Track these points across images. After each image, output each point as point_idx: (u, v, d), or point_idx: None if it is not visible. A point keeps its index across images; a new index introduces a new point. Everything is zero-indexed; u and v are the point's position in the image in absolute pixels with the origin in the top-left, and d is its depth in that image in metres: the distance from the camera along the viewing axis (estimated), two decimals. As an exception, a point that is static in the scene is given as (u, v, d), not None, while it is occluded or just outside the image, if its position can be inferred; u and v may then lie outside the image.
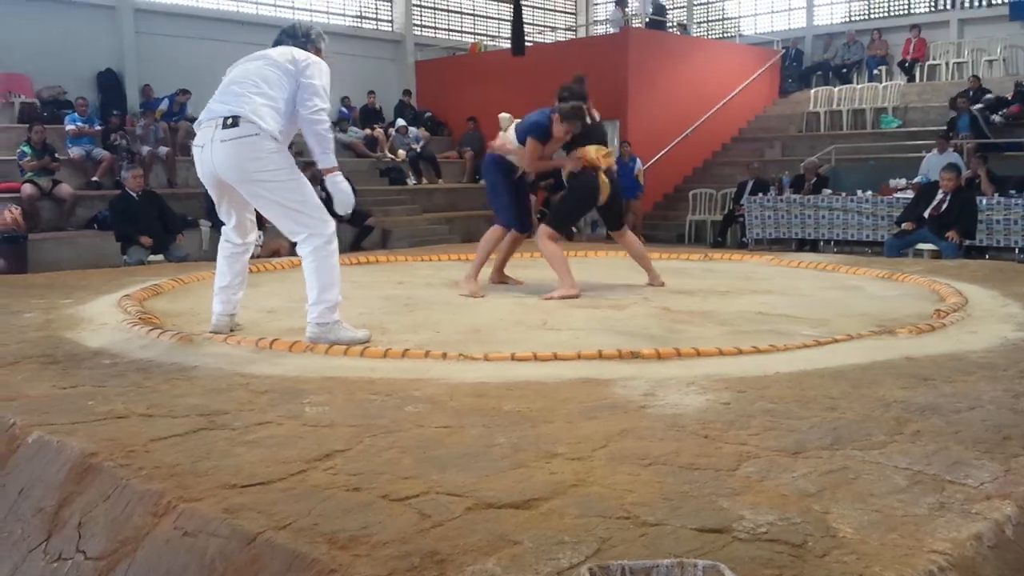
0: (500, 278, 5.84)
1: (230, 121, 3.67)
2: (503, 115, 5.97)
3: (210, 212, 10.69)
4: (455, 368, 3.22)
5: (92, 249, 9.94)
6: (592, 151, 5.38)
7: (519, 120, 5.66)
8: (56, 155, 10.84)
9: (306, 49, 3.91)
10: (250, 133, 3.65)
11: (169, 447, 2.31)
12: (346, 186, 3.87)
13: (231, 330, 3.99)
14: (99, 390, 2.94)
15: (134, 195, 8.85)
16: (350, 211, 3.96)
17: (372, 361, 3.35)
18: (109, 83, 14.07)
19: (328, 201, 3.91)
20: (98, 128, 12.10)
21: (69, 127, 11.64)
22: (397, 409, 2.68)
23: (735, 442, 2.33)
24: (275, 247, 10.25)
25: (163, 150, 12.26)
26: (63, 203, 10.52)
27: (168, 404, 2.74)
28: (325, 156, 3.78)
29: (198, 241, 10.55)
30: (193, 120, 13.11)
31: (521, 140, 5.46)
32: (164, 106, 13.44)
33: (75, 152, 11.46)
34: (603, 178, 5.42)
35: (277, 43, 3.99)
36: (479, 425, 2.49)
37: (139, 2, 14.64)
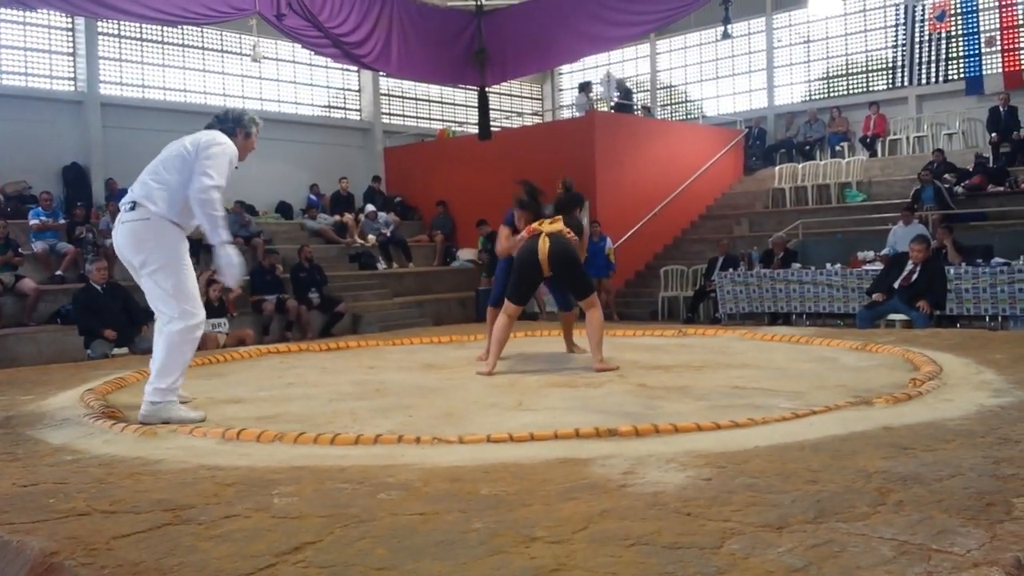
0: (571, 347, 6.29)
1: (129, 205, 4.01)
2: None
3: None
4: (429, 452, 3.15)
5: (54, 344, 9.78)
6: (536, 222, 5.59)
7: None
8: (19, 250, 10.75)
9: (233, 133, 4.18)
10: (143, 217, 3.94)
11: (132, 544, 2.22)
12: (233, 259, 4.04)
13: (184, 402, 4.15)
14: (60, 487, 2.83)
15: (98, 287, 8.76)
16: (238, 281, 4.23)
17: (343, 448, 3.27)
18: (74, 177, 14.07)
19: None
20: (62, 222, 12.05)
21: (33, 221, 11.59)
22: (369, 497, 2.60)
23: (718, 519, 2.27)
24: (241, 335, 10.16)
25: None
26: (26, 298, 10.38)
27: (131, 499, 2.65)
28: (213, 232, 4.00)
29: (166, 332, 10.41)
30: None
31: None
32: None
33: (39, 246, 11.37)
34: (542, 240, 5.44)
35: (207, 127, 4.21)
36: (455, 510, 2.42)
37: (106, 96, 14.76)
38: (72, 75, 14.54)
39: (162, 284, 3.93)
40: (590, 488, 2.62)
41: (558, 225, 5.57)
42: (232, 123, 4.21)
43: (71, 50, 14.53)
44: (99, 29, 14.65)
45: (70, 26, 14.45)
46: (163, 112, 15.43)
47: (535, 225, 5.56)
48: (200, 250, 12.30)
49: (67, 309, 10.09)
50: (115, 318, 8.69)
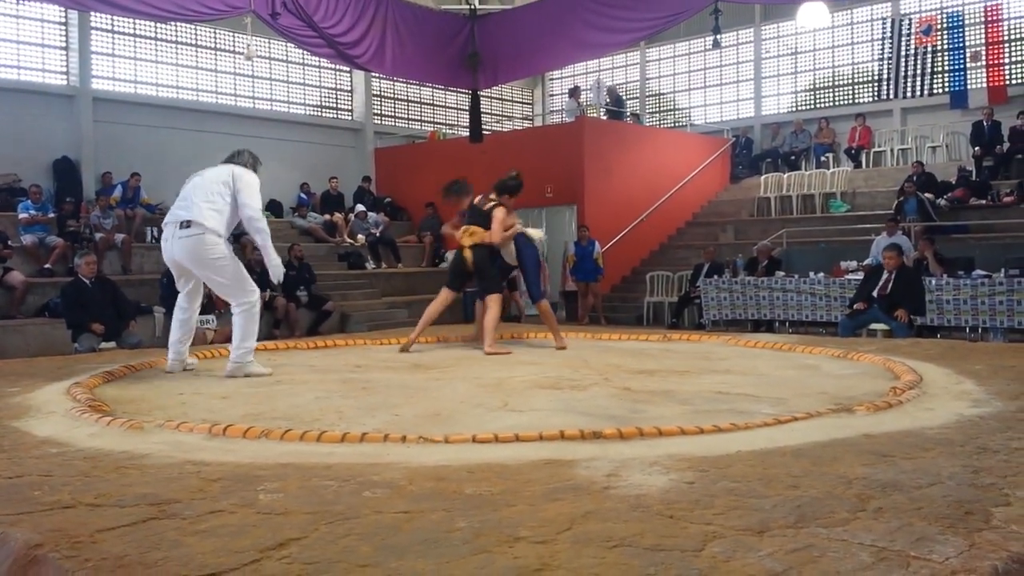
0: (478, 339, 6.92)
1: (185, 224, 5.17)
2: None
3: (165, 299, 10.60)
4: (415, 451, 3.17)
5: (42, 337, 9.76)
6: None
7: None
8: (8, 242, 10.70)
9: (245, 166, 5.45)
10: (197, 232, 5.15)
11: (117, 537, 2.22)
12: (276, 261, 5.37)
13: (184, 369, 5.48)
14: (45, 479, 2.83)
15: (87, 281, 8.73)
16: (280, 278, 5.59)
17: (329, 446, 3.28)
18: (65, 170, 14.02)
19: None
20: (52, 215, 12.00)
21: (22, 215, 11.54)
22: (354, 495, 2.61)
23: (700, 522, 2.29)
24: (229, 332, 10.13)
25: (119, 237, 12.18)
26: (14, 291, 10.34)
27: (117, 493, 2.65)
28: (264, 246, 5.36)
29: (151, 327, 10.39)
30: (147, 206, 13.19)
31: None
32: (118, 193, 13.42)
33: (28, 239, 11.34)
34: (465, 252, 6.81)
35: (227, 160, 5.49)
36: (439, 509, 2.43)
37: (98, 91, 14.71)
38: (64, 69, 14.50)
39: (223, 279, 5.24)
40: (574, 489, 2.64)
41: (472, 238, 6.73)
42: (251, 160, 5.57)
43: (64, 44, 14.49)
44: (92, 24, 14.62)
45: (63, 20, 14.41)
46: (155, 108, 15.41)
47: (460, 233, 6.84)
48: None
49: (55, 302, 10.07)
50: (103, 312, 8.67)
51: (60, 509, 2.49)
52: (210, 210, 5.17)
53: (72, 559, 2.08)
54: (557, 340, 6.84)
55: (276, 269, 5.39)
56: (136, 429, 3.54)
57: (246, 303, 5.26)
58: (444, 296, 7.03)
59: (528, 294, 7.23)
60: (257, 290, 5.35)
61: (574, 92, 17.92)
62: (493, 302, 6.73)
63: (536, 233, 7.22)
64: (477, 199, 7.01)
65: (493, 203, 6.85)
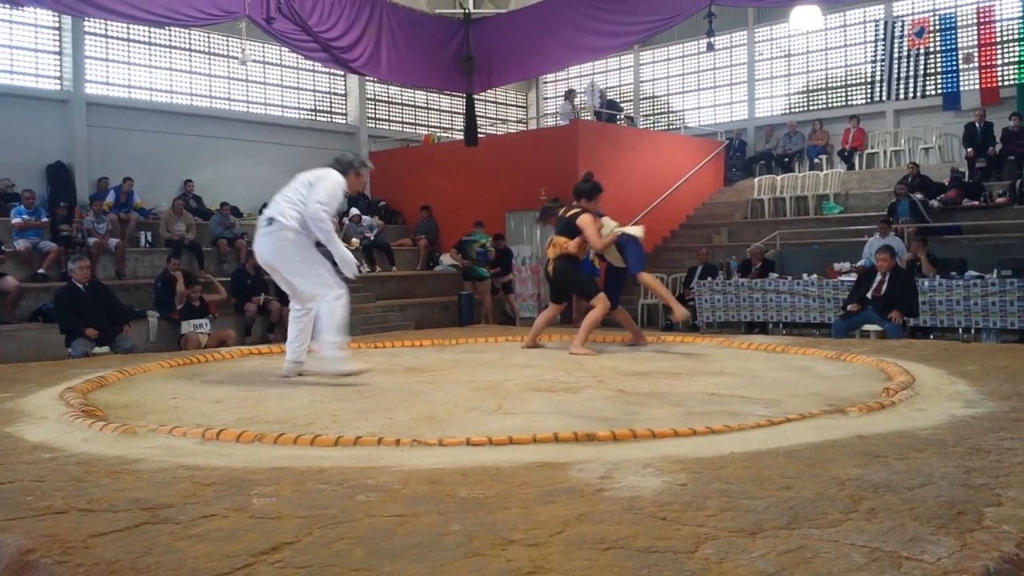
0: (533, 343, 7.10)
1: (268, 221, 5.27)
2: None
3: (158, 304, 10.60)
4: (409, 455, 3.17)
5: (35, 342, 9.73)
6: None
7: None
8: (2, 247, 10.68)
9: (345, 172, 5.42)
10: (279, 229, 5.21)
11: (109, 543, 2.22)
12: (346, 255, 5.25)
13: (299, 375, 5.40)
14: (38, 485, 2.83)
15: (80, 286, 8.71)
16: (355, 272, 5.31)
17: (323, 450, 3.28)
18: (59, 175, 14.00)
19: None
20: (44, 220, 11.97)
21: (15, 220, 11.51)
22: (348, 498, 2.61)
23: (693, 523, 2.30)
24: (222, 336, 10.14)
25: (113, 242, 12.15)
26: (7, 295, 10.31)
27: (109, 498, 2.64)
28: (328, 241, 5.23)
29: (145, 332, 10.38)
30: (139, 210, 13.18)
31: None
32: (111, 198, 13.40)
33: (21, 245, 11.30)
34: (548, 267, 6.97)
35: (327, 166, 5.46)
36: (433, 513, 2.44)
37: (92, 95, 14.69)
38: (58, 74, 14.48)
39: (306, 274, 5.25)
40: (568, 492, 2.64)
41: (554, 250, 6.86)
42: (346, 165, 5.48)
43: (57, 49, 14.47)
44: (86, 28, 14.60)
45: (57, 25, 14.38)
46: (149, 113, 15.39)
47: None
48: (182, 251, 12.30)
49: (49, 307, 10.05)
50: (97, 317, 8.65)
51: (53, 514, 2.49)
52: (291, 208, 5.23)
53: (64, 564, 2.08)
54: (637, 337, 7.09)
55: (347, 264, 5.27)
56: (129, 434, 3.54)
57: (330, 295, 5.20)
58: (552, 309, 7.29)
59: (629, 270, 7.24)
60: (341, 287, 5.27)
61: (568, 95, 17.94)
62: (599, 302, 6.79)
63: (636, 230, 7.23)
64: (562, 209, 7.07)
65: (576, 211, 6.83)
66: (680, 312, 6.82)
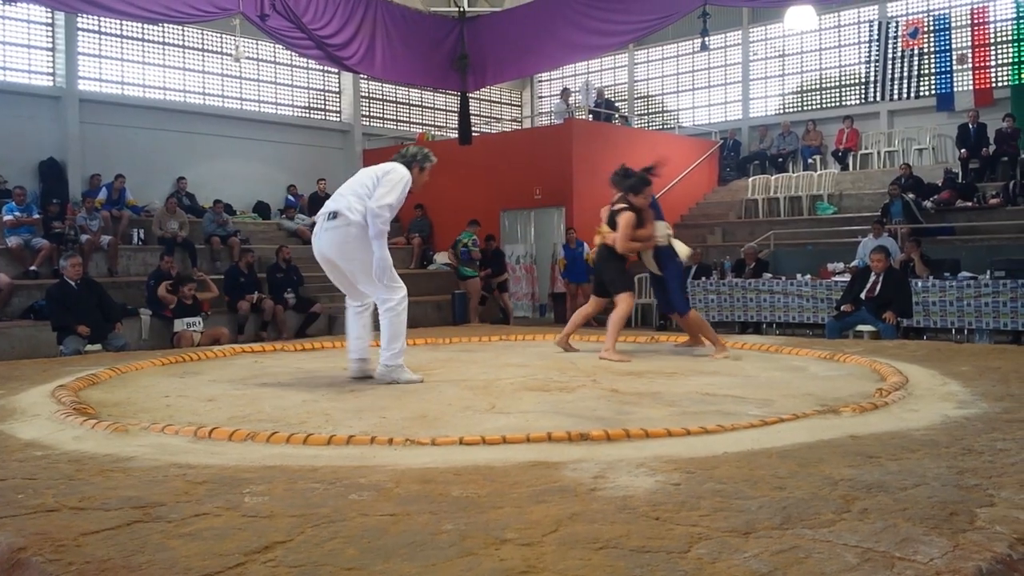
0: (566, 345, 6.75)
1: (331, 215, 5.02)
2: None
3: (151, 301, 10.57)
4: (401, 454, 3.16)
5: (27, 339, 9.70)
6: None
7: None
8: (-7, 244, 10.65)
9: (410, 167, 5.20)
10: (344, 224, 4.96)
11: (101, 541, 2.21)
12: (385, 256, 4.99)
13: (368, 375, 5.19)
14: (29, 483, 2.81)
15: (72, 283, 8.69)
16: (383, 276, 5.02)
17: (315, 448, 3.28)
18: (51, 172, 13.96)
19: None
20: (37, 217, 11.93)
21: (7, 217, 11.47)
22: (341, 497, 2.60)
23: (686, 523, 2.30)
24: (216, 335, 10.12)
25: (106, 239, 12.12)
26: (-1, 292, 10.28)
27: (101, 496, 2.63)
28: (376, 236, 4.95)
29: (138, 330, 10.35)
30: (132, 207, 13.11)
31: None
32: (103, 195, 13.37)
33: (13, 241, 11.27)
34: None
35: (393, 159, 5.25)
36: (426, 512, 2.43)
37: (85, 92, 14.65)
38: (51, 70, 14.44)
39: (369, 272, 5.01)
40: (561, 491, 2.64)
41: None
42: (411, 159, 5.26)
43: (50, 45, 14.43)
44: (79, 25, 14.56)
45: (49, 21, 14.34)
46: (142, 109, 15.36)
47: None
48: (175, 248, 12.26)
49: (40, 304, 10.01)
50: (89, 314, 8.63)
51: (44, 512, 2.48)
52: (357, 202, 4.99)
53: (56, 563, 2.07)
54: (717, 347, 6.37)
55: (383, 268, 5.02)
56: (121, 432, 3.52)
57: (392, 299, 5.03)
58: (591, 303, 6.93)
59: (673, 306, 6.78)
60: (404, 288, 5.11)
61: (563, 94, 17.95)
62: (621, 301, 6.50)
63: (683, 249, 6.81)
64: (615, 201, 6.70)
65: (622, 206, 6.56)
66: (724, 353, 6.31)
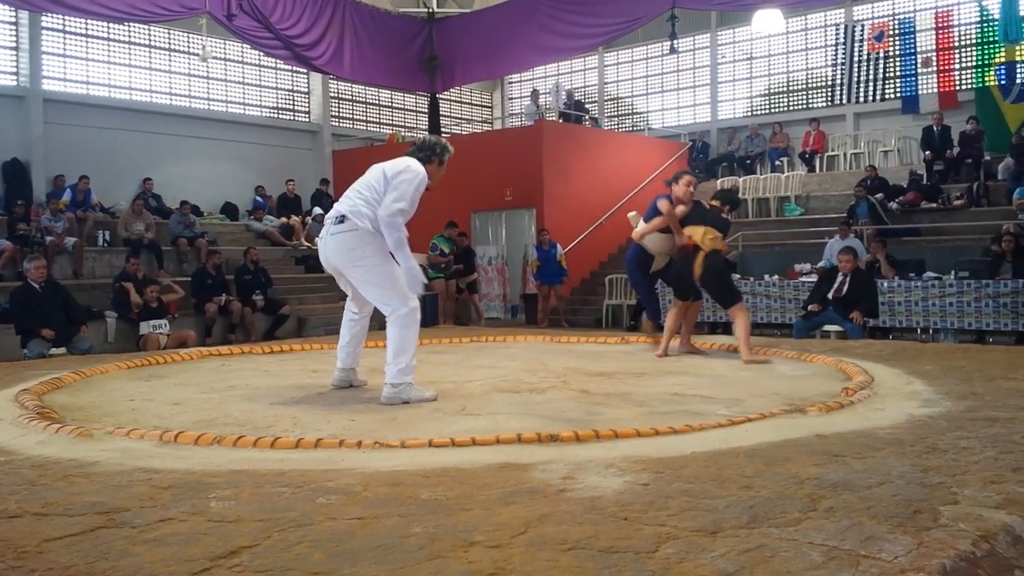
0: (690, 348, 6.62)
1: (338, 219, 4.60)
2: (631, 213, 6.88)
3: (116, 304, 10.43)
4: (370, 457, 3.15)
5: (-10, 343, 9.54)
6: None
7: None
8: (-46, 246, 10.47)
9: (428, 160, 4.75)
10: (351, 228, 4.54)
11: (64, 547, 2.18)
12: (415, 268, 4.60)
13: (351, 384, 4.94)
14: (-10, 489, 2.77)
15: (36, 286, 8.57)
16: (420, 287, 4.63)
17: (283, 452, 3.25)
18: (15, 173, 13.75)
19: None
20: (0, 218, 11.75)
21: (-31, 218, 11.30)
22: (308, 501, 2.58)
23: (654, 523, 2.31)
24: (182, 337, 10.01)
25: (70, 240, 11.96)
26: (-40, 295, 10.11)
27: (64, 502, 2.60)
28: (397, 249, 4.54)
29: (103, 333, 10.22)
30: (97, 208, 12.86)
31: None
32: (67, 196, 13.20)
33: (-25, 243, 11.10)
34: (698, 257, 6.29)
35: (407, 154, 4.78)
36: (394, 515, 2.42)
37: (49, 92, 14.45)
38: (15, 69, 14.22)
39: (376, 281, 4.60)
40: (530, 493, 2.64)
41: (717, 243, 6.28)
42: (427, 151, 4.78)
43: (14, 44, 14.22)
44: (43, 24, 14.36)
45: (13, 20, 14.13)
46: (107, 109, 15.17)
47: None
48: (141, 250, 12.12)
49: (4, 308, 9.84)
50: (53, 317, 8.51)
51: (6, 519, 2.44)
52: (365, 205, 4.57)
53: (18, 569, 2.04)
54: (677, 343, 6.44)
55: (415, 279, 4.60)
56: (85, 436, 3.48)
57: (401, 309, 4.54)
58: (678, 307, 6.56)
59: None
60: (415, 299, 4.61)
61: (533, 95, 17.97)
62: (740, 312, 6.33)
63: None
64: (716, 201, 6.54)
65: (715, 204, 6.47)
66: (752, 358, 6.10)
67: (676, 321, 6.53)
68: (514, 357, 6.40)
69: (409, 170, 4.62)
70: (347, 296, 4.99)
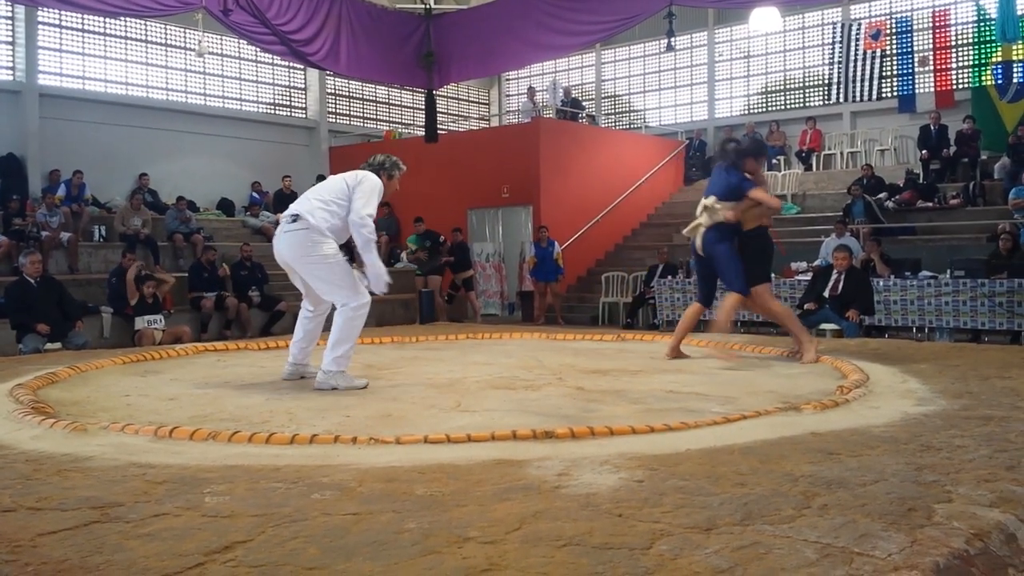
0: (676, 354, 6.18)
1: (292, 218, 4.92)
2: (702, 216, 6.26)
3: (112, 299, 10.42)
4: (365, 453, 3.14)
5: (-15, 338, 9.52)
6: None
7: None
8: (-50, 241, 10.45)
9: (378, 174, 5.12)
10: (303, 227, 4.86)
11: (58, 542, 2.18)
12: (378, 269, 4.89)
13: (301, 377, 5.12)
14: (-16, 483, 2.76)
15: (32, 281, 8.55)
16: (384, 288, 4.93)
17: (278, 448, 3.25)
18: (11, 168, 13.72)
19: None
20: (-5, 212, 11.75)
21: (-35, 213, 11.28)
22: (303, 497, 2.58)
23: (648, 520, 2.31)
24: (178, 333, 10.00)
25: (66, 235, 11.93)
26: (-44, 290, 10.08)
27: (59, 496, 2.59)
28: (366, 251, 4.89)
29: (99, 328, 10.20)
30: (93, 203, 12.83)
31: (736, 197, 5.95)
32: (62, 191, 13.17)
33: (-30, 238, 11.07)
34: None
35: (362, 167, 5.18)
36: (389, 511, 2.42)
37: (45, 86, 14.41)
38: (11, 64, 14.19)
39: (327, 278, 4.89)
40: (525, 489, 2.64)
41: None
42: (377, 166, 5.19)
43: (10, 39, 14.18)
44: (39, 18, 14.32)
45: (9, 15, 14.09)
46: (103, 104, 15.15)
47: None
48: (137, 245, 12.11)
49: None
50: (49, 313, 8.50)
51: (0, 513, 2.44)
52: (321, 208, 4.88)
53: (12, 563, 2.04)
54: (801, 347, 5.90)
55: (379, 278, 4.91)
56: (80, 431, 3.47)
57: (352, 303, 4.85)
58: (697, 309, 6.45)
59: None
60: (367, 296, 4.93)
61: (530, 93, 17.96)
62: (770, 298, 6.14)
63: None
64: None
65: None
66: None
67: (694, 322, 6.37)
68: (510, 354, 6.40)
69: (368, 179, 5.02)
70: (304, 294, 5.22)
